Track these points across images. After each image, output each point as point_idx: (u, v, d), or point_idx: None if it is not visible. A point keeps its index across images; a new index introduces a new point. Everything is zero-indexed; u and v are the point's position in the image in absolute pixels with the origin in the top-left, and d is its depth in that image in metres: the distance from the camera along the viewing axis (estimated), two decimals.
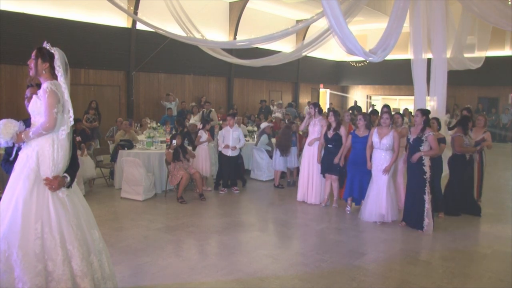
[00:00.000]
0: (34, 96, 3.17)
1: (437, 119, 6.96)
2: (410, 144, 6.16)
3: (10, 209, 2.98)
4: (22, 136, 3.12)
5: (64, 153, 3.18)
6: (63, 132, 3.15)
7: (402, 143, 6.61)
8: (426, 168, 5.93)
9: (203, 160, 8.52)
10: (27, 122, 3.25)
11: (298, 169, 8.49)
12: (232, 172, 8.33)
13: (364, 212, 6.46)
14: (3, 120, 3.13)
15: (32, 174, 3.06)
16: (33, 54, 3.16)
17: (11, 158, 3.25)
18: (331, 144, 7.13)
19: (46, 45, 3.19)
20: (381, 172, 6.27)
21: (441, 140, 6.57)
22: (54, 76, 3.17)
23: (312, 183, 7.48)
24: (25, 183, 3.03)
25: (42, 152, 3.11)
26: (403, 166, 6.75)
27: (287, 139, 8.54)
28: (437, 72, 6.60)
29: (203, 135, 8.59)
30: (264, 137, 9.32)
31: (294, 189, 8.04)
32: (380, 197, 6.29)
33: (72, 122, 3.20)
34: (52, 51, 3.16)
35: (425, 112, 6.08)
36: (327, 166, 7.18)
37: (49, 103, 3.05)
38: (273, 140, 9.52)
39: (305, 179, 7.55)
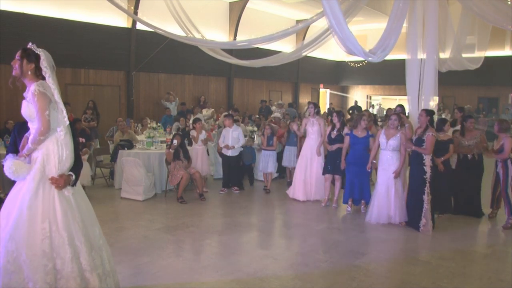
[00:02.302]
0: (23, 102, 3.10)
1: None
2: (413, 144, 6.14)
3: (16, 210, 2.98)
4: (24, 152, 3.09)
5: (69, 151, 3.18)
6: (61, 133, 3.14)
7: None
8: (427, 168, 5.88)
9: (200, 161, 8.46)
10: (26, 124, 3.24)
11: None
12: (232, 172, 8.33)
13: (372, 214, 6.35)
14: (9, 164, 3.02)
15: (38, 174, 3.05)
16: (18, 54, 3.10)
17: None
18: (334, 145, 7.13)
19: (32, 45, 3.13)
20: (388, 173, 6.21)
21: (450, 141, 6.50)
22: (39, 77, 3.10)
23: (310, 181, 7.53)
24: (30, 184, 3.03)
25: (47, 152, 3.10)
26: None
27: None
28: (427, 72, 6.62)
29: (195, 135, 8.50)
30: None
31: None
32: (389, 199, 6.24)
33: (67, 122, 3.18)
34: (38, 52, 3.10)
35: (429, 113, 6.04)
36: (331, 166, 7.19)
37: (39, 106, 3.00)
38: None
39: (303, 178, 7.56)
